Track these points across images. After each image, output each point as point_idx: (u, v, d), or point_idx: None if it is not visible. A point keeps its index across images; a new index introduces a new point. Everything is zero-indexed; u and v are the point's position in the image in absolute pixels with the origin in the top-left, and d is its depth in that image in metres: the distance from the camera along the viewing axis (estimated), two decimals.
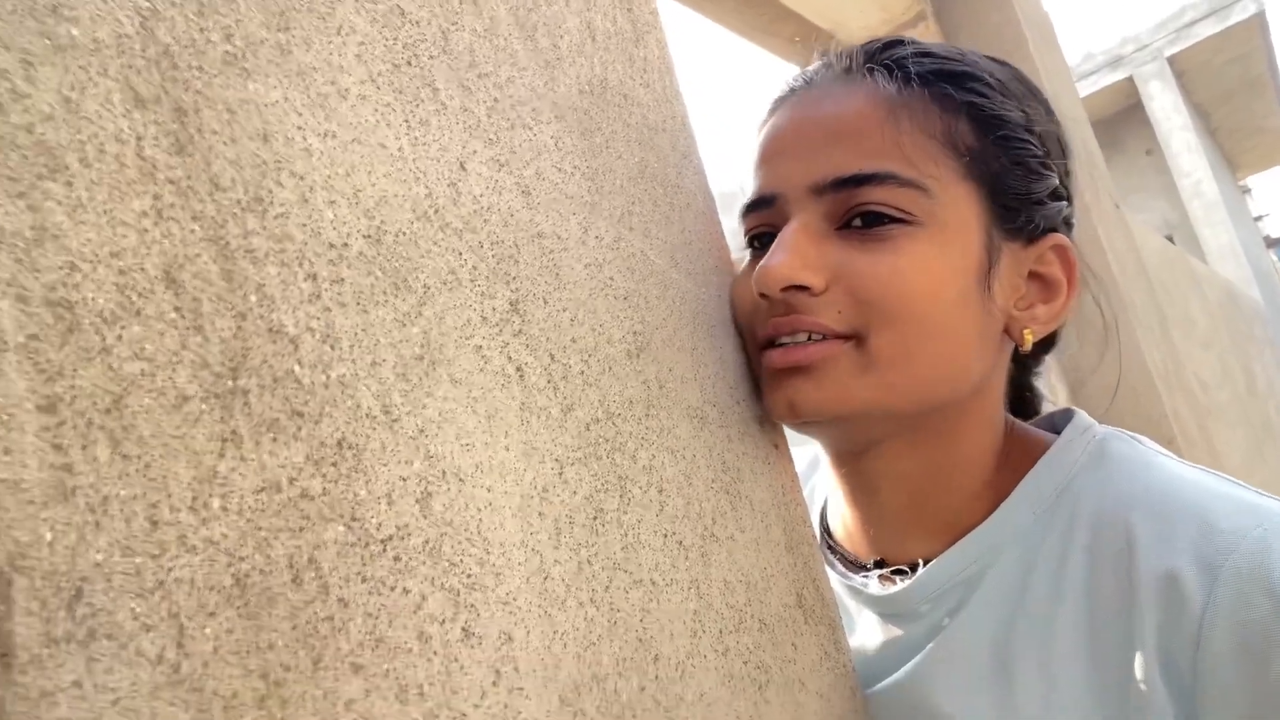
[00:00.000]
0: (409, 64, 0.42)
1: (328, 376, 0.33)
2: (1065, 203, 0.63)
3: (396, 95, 0.40)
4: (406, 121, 0.40)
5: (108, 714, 0.25)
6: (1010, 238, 0.59)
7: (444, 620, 0.33)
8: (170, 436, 0.28)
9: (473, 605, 0.34)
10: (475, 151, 0.43)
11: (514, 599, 0.36)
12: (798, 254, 0.55)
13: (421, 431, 0.35)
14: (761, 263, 0.55)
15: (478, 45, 0.46)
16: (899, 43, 0.61)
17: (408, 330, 0.36)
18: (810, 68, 0.63)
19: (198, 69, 0.33)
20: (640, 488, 0.45)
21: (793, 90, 0.63)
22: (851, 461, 0.62)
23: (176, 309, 0.29)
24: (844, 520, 0.67)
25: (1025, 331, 0.60)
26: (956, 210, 0.56)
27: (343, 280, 0.35)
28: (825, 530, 0.69)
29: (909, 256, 0.55)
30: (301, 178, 0.35)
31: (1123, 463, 0.58)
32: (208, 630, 0.27)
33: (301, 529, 0.30)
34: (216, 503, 0.28)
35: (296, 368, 0.32)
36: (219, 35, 0.34)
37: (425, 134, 0.41)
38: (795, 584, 0.53)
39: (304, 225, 0.34)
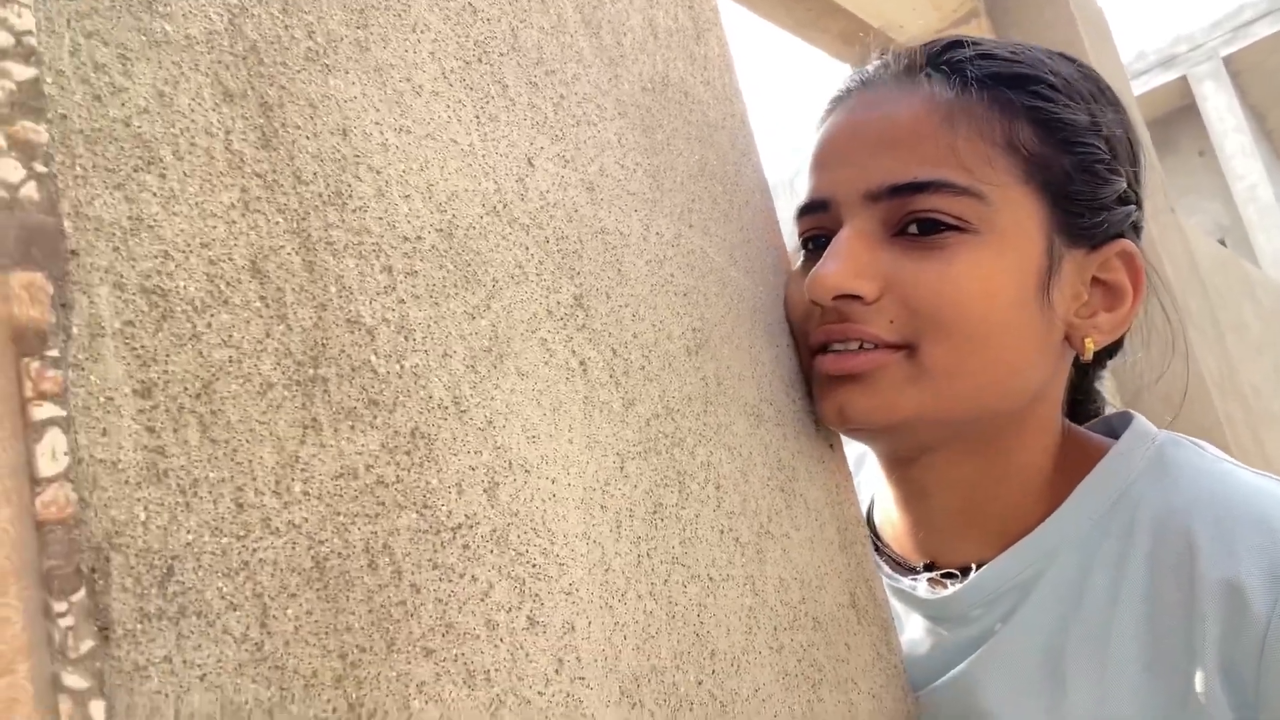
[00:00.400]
0: (480, 60, 0.42)
1: (402, 366, 0.34)
2: (1133, 207, 0.61)
3: (468, 91, 0.41)
4: (477, 117, 0.41)
5: (195, 689, 0.26)
6: (1074, 244, 0.58)
7: (510, 608, 0.34)
8: (256, 422, 0.29)
9: (537, 594, 0.35)
10: (542, 148, 0.44)
11: (576, 589, 0.37)
12: (850, 262, 0.55)
13: (490, 423, 0.36)
14: (814, 270, 0.55)
15: (545, 42, 0.46)
16: (959, 44, 0.59)
17: (477, 323, 0.37)
18: (868, 68, 0.62)
19: (282, 65, 0.34)
20: (699, 483, 0.45)
21: (849, 91, 0.62)
22: (903, 467, 0.62)
23: (261, 298, 0.30)
24: (892, 521, 0.66)
25: (1086, 340, 0.59)
26: (1015, 217, 0.56)
27: (416, 273, 0.35)
28: (872, 530, 0.69)
29: (963, 265, 0.54)
30: (379, 172, 0.36)
31: (1184, 468, 0.57)
32: (289, 611, 0.28)
33: (377, 515, 0.31)
34: (298, 487, 0.29)
35: (373, 357, 0.33)
36: (302, 32, 0.35)
37: (495, 130, 0.42)
38: (849, 584, 0.53)
39: (380, 219, 0.35)
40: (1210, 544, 0.51)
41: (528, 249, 0.41)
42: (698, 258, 0.51)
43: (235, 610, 0.27)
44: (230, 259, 0.30)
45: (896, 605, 0.62)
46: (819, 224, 0.60)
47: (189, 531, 0.26)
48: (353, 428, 0.31)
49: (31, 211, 0.25)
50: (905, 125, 0.57)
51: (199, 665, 0.26)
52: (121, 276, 0.27)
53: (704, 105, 0.57)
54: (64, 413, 0.25)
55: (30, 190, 0.25)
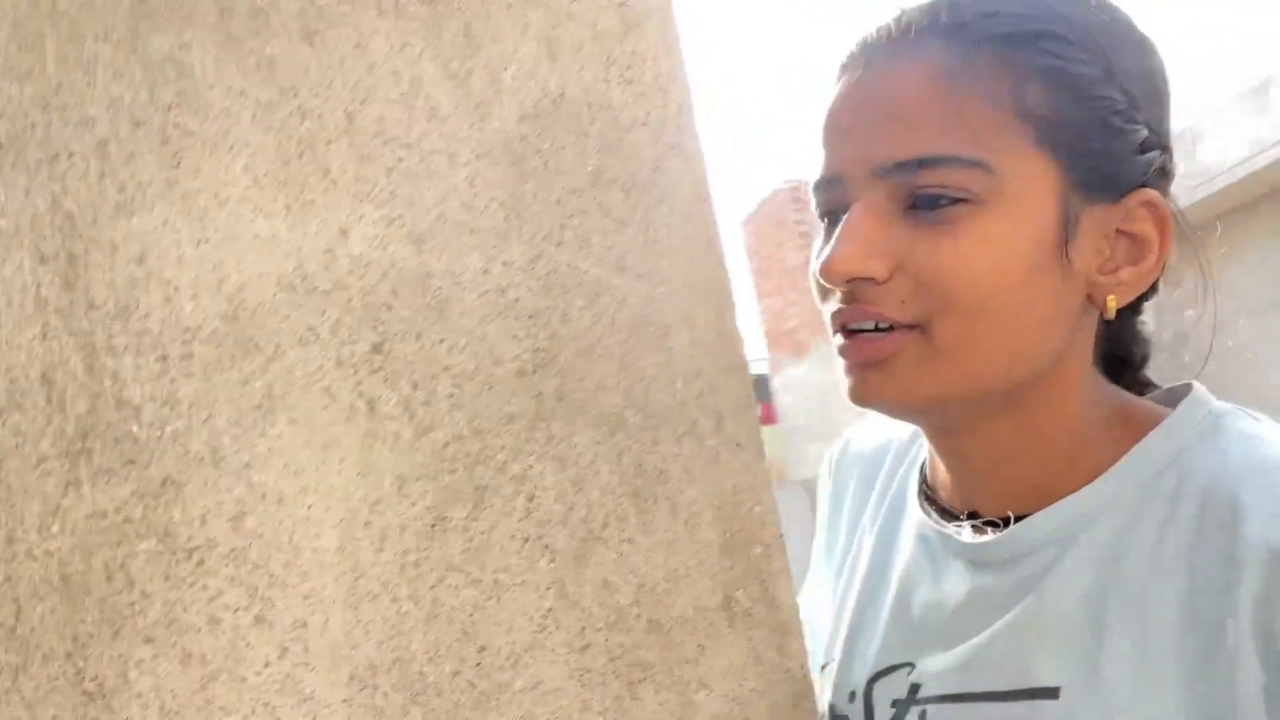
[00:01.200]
0: (300, 156, 0.52)
1: (162, 432, 0.47)
2: (1158, 153, 0.59)
3: (281, 188, 0.51)
4: (288, 207, 0.51)
5: None
6: (1093, 200, 0.57)
7: (238, 609, 0.46)
8: (30, 484, 0.45)
9: (269, 598, 0.46)
10: (363, 215, 0.52)
11: (317, 593, 0.47)
12: (859, 244, 0.56)
13: (247, 466, 0.47)
14: (825, 253, 0.58)
15: (388, 112, 0.54)
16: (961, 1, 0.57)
17: (249, 386, 0.48)
18: (870, 30, 0.61)
19: (92, 223, 0.48)
20: (503, 497, 0.50)
21: (852, 57, 0.61)
22: (935, 436, 0.66)
23: (47, 399, 0.46)
24: (937, 472, 0.69)
25: (1109, 299, 0.59)
26: (1027, 182, 0.55)
27: (192, 355, 0.48)
28: (924, 480, 0.72)
29: (971, 239, 0.55)
30: (168, 282, 0.48)
31: (1238, 438, 0.58)
32: (37, 609, 0.43)
33: (119, 543, 0.45)
34: (56, 527, 0.44)
35: (135, 428, 0.46)
36: (114, 189, 0.49)
37: (306, 213, 0.51)
38: (726, 586, 0.53)
39: (164, 319, 0.48)
40: (1255, 508, 0.52)
41: (324, 312, 0.50)
42: (561, 275, 0.54)
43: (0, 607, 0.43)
44: (27, 376, 0.46)
45: (938, 551, 0.66)
46: (833, 199, 0.61)
47: None
48: (109, 482, 0.45)
49: None
50: (907, 96, 0.57)
51: None
52: None
53: (613, 110, 0.58)
54: None
55: None
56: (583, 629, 0.50)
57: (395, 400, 0.50)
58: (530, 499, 0.51)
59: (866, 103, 0.58)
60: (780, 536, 0.55)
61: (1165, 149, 0.60)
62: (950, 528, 0.65)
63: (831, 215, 0.61)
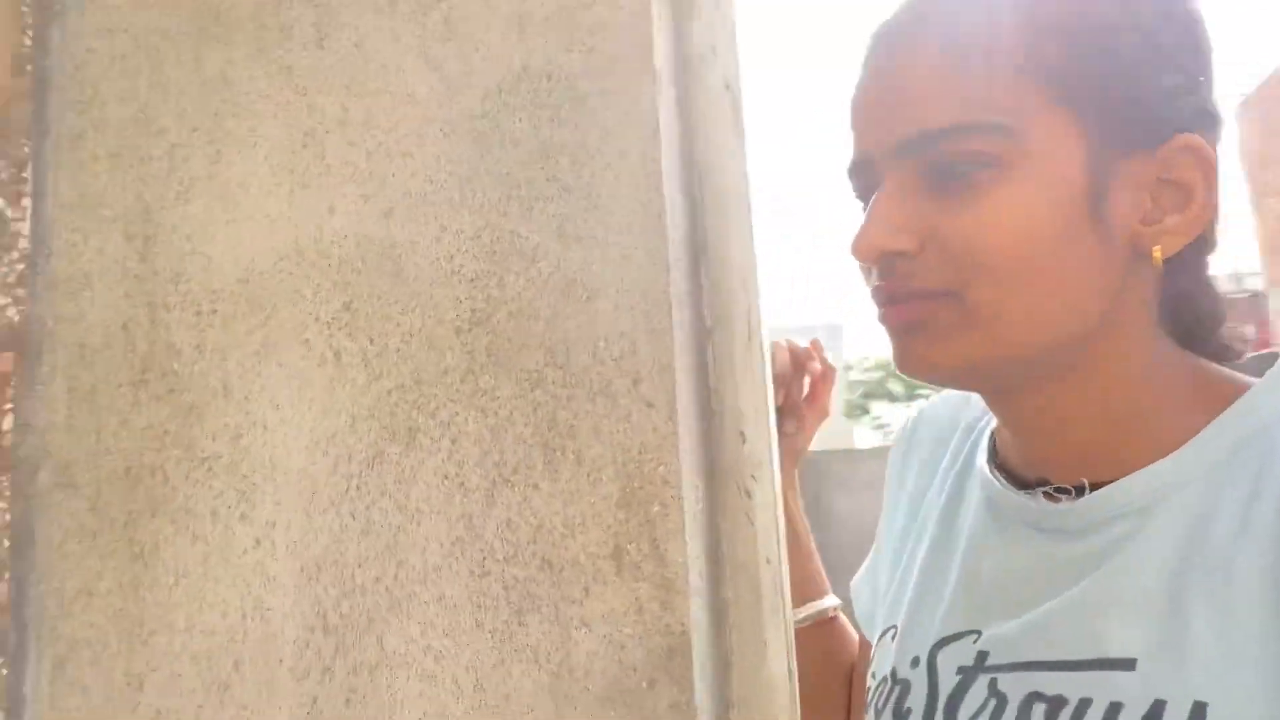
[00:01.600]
0: (304, 146, 0.63)
1: (193, 369, 0.62)
2: (1194, 96, 0.58)
3: (289, 174, 0.63)
4: (291, 191, 0.63)
5: None
6: (1127, 151, 0.56)
7: (230, 506, 0.60)
8: (112, 401, 0.62)
9: (251, 500, 0.60)
10: (346, 194, 0.62)
11: (283, 503, 0.60)
12: (887, 221, 0.59)
13: (247, 399, 0.61)
14: (856, 232, 0.61)
15: (374, 103, 0.63)
16: None
17: (253, 335, 0.62)
18: (887, 15, 0.62)
19: (160, 210, 0.64)
20: (431, 438, 0.59)
21: (873, 39, 0.63)
22: (993, 401, 0.66)
23: (125, 342, 0.63)
24: (1005, 440, 0.68)
25: (1154, 250, 0.57)
26: (1048, 141, 0.55)
27: (216, 311, 0.62)
28: (993, 448, 0.70)
29: (993, 205, 0.55)
30: (206, 255, 0.63)
31: None
32: (108, 491, 0.61)
33: (160, 449, 0.61)
34: (124, 433, 0.62)
35: (176, 365, 0.62)
36: (176, 183, 0.64)
37: (305, 195, 0.63)
38: (617, 538, 0.56)
39: (201, 284, 0.63)
40: None
41: (309, 277, 0.62)
42: (503, 243, 0.60)
43: (69, 489, 0.62)
44: (113, 325, 0.63)
45: (1008, 519, 0.65)
46: (865, 182, 0.64)
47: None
48: (157, 404, 0.62)
49: None
50: (920, 70, 0.58)
51: None
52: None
53: (572, 79, 0.61)
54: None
55: None
56: (484, 559, 0.57)
57: (355, 351, 0.61)
58: (453, 442, 0.59)
59: (884, 84, 0.60)
60: (681, 499, 0.57)
61: (1203, 90, 0.58)
62: (1022, 495, 0.64)
63: (866, 198, 0.63)
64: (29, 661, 0.60)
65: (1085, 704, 0.56)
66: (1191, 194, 0.57)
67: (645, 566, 0.57)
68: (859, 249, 0.60)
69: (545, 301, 0.59)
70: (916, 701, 0.66)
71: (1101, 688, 0.55)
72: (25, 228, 0.66)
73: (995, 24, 0.56)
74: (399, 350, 0.60)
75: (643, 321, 0.59)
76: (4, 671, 0.60)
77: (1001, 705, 0.60)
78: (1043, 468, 0.65)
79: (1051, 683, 0.58)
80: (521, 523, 0.57)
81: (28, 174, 0.67)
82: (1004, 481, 0.67)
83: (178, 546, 0.60)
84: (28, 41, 0.68)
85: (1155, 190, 0.57)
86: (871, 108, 0.61)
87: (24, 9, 0.68)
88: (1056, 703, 0.57)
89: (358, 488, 0.59)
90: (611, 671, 0.55)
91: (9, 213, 0.66)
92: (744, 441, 0.68)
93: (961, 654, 0.64)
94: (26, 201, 0.66)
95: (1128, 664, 0.55)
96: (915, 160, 0.58)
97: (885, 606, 0.76)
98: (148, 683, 0.59)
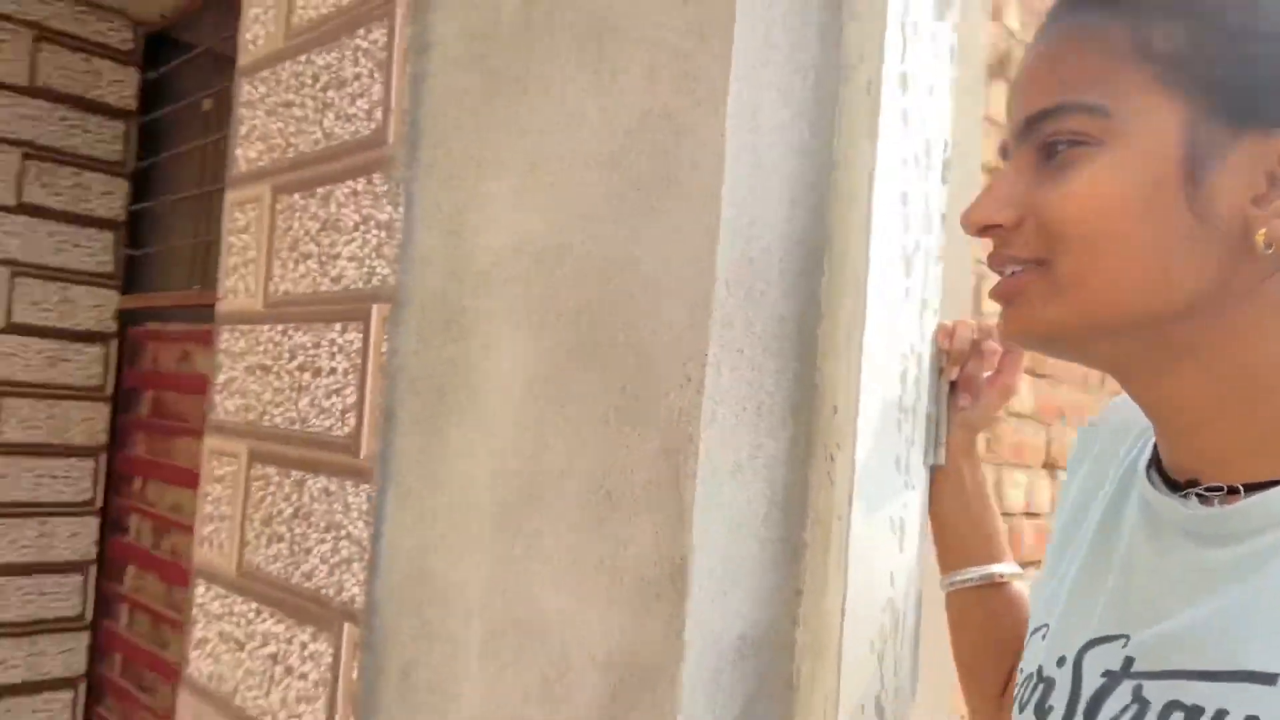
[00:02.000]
0: (531, 173, 0.91)
1: (463, 322, 0.95)
2: None
3: (521, 194, 0.91)
4: (516, 205, 0.91)
5: None
6: (1240, 131, 0.56)
7: (471, 409, 0.94)
8: (429, 340, 0.99)
9: (490, 413, 0.92)
10: (535, 211, 0.89)
11: (504, 419, 0.91)
12: (991, 196, 0.64)
13: (486, 346, 0.93)
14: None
15: (559, 135, 0.88)
16: None
17: (480, 301, 0.93)
18: (1050, 6, 0.66)
19: (472, 211, 0.97)
20: (575, 406, 0.85)
21: (1038, 30, 0.67)
22: (1127, 385, 0.66)
23: (439, 302, 0.99)
24: (1160, 440, 0.68)
25: (1257, 235, 0.56)
26: (1146, 121, 0.57)
27: (481, 283, 0.94)
28: (1155, 450, 0.70)
29: (1080, 178, 0.58)
30: (480, 243, 0.95)
31: None
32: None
33: (452, 375, 0.97)
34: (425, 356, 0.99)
35: (459, 318, 0.96)
36: (472, 194, 0.96)
37: (520, 209, 0.91)
38: (651, 469, 0.77)
39: (478, 262, 0.95)
40: None
41: (512, 266, 0.91)
42: (606, 245, 0.82)
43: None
44: (426, 295, 0.99)
45: (1161, 523, 0.64)
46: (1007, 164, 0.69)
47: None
48: (442, 343, 0.97)
49: None
50: (1047, 56, 0.62)
51: None
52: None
53: (676, 117, 0.79)
54: None
55: None
56: (590, 472, 0.83)
57: (539, 323, 0.88)
58: (576, 407, 0.84)
59: (1025, 70, 0.63)
60: (699, 442, 0.75)
61: None
62: (1174, 498, 0.63)
63: None
64: (388, 493, 1.02)
65: (1221, 715, 0.55)
66: None
67: (657, 497, 0.77)
68: (964, 222, 0.63)
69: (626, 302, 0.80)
70: (1059, 700, 0.67)
71: (1239, 700, 0.54)
72: (400, 224, 1.05)
73: (1108, 10, 0.58)
74: (559, 319, 0.87)
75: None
76: (373, 496, 1.03)
77: (1143, 711, 0.60)
78: (1189, 464, 0.63)
79: (1191, 692, 0.57)
80: (594, 469, 0.81)
81: (401, 189, 1.05)
82: (1158, 483, 0.66)
83: (462, 429, 0.96)
84: (407, 98, 1.06)
85: (1275, 171, 0.56)
86: (1014, 93, 0.65)
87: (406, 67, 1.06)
88: (1194, 712, 0.56)
89: (544, 420, 0.88)
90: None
91: (393, 213, 1.06)
92: (835, 413, 0.82)
93: (1108, 657, 0.64)
94: (401, 208, 1.05)
95: (1269, 679, 0.53)
96: (1030, 141, 0.61)
97: (1040, 604, 0.75)
98: (440, 515, 0.96)
